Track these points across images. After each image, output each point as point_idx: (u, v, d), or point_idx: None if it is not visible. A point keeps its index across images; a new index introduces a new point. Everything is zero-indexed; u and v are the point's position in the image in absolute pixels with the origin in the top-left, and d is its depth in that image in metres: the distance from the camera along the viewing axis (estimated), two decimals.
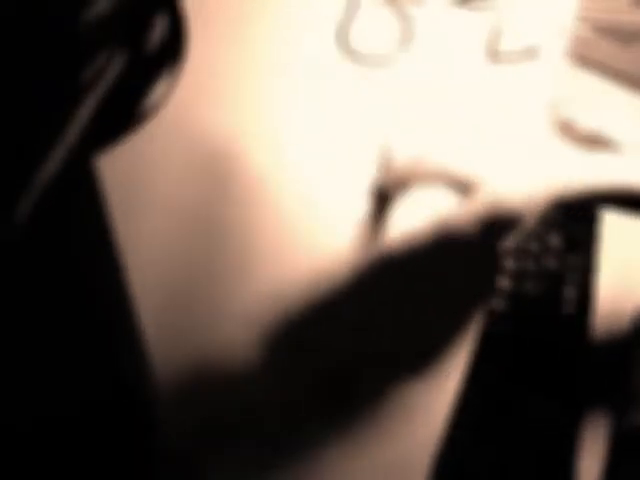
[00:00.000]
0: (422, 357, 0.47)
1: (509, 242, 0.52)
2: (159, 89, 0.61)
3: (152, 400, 0.35)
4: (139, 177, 0.56)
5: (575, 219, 0.53)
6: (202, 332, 0.49)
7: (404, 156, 0.45)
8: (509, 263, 0.51)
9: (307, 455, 0.45)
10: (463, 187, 0.42)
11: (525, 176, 0.41)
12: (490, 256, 0.51)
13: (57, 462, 0.28)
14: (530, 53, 0.64)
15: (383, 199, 0.46)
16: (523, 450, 0.43)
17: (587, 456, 0.44)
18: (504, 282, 0.50)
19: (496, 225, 0.41)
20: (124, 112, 0.59)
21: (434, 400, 0.46)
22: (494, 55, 0.64)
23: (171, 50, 0.63)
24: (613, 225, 0.54)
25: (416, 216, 0.50)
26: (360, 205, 0.53)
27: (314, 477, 0.44)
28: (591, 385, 0.46)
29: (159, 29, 0.60)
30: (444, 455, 0.43)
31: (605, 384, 0.46)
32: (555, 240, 0.52)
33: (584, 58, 0.63)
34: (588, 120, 0.46)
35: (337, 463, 0.44)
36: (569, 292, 0.50)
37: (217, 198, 0.55)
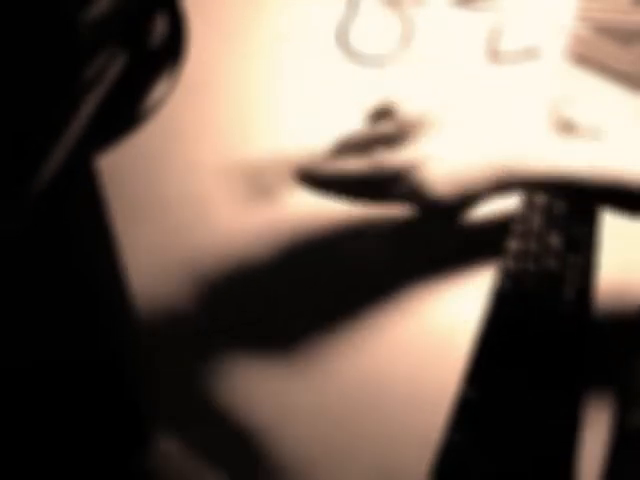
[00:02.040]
0: None
1: (509, 242, 0.52)
2: (159, 89, 0.61)
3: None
4: (139, 177, 0.56)
5: (575, 219, 0.53)
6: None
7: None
8: (509, 263, 0.51)
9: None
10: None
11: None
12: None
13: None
14: (530, 53, 0.64)
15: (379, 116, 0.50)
16: (523, 450, 0.43)
17: (587, 456, 0.44)
18: (504, 281, 0.50)
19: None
20: (124, 112, 0.59)
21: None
22: (494, 55, 0.64)
23: (171, 50, 0.63)
24: (613, 225, 0.54)
25: None
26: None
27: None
28: (591, 385, 0.46)
29: (159, 29, 0.60)
30: (444, 455, 0.43)
31: (605, 384, 0.46)
32: (555, 240, 0.52)
33: (584, 58, 0.63)
34: (587, 119, 0.47)
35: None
36: (569, 292, 0.50)
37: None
